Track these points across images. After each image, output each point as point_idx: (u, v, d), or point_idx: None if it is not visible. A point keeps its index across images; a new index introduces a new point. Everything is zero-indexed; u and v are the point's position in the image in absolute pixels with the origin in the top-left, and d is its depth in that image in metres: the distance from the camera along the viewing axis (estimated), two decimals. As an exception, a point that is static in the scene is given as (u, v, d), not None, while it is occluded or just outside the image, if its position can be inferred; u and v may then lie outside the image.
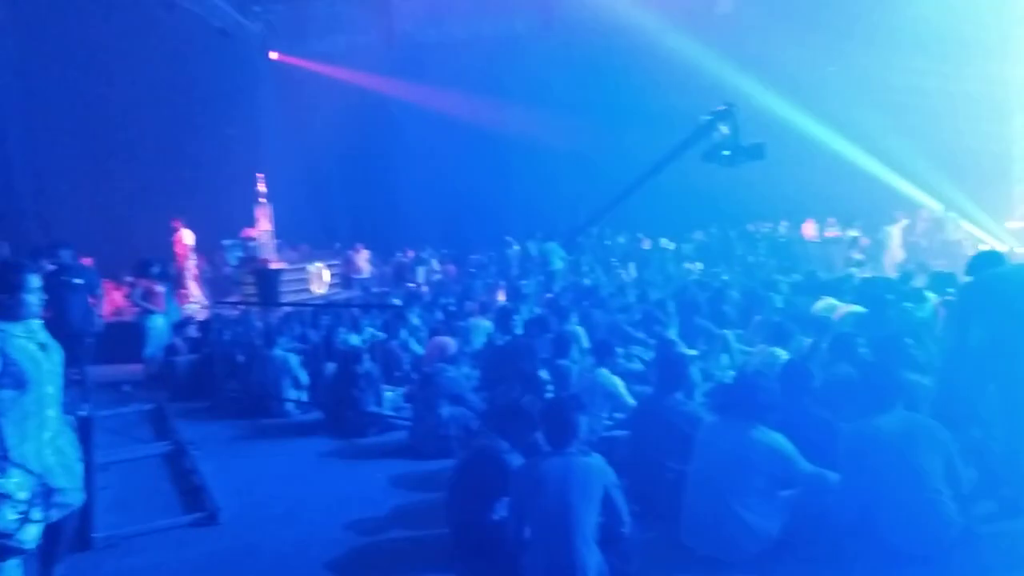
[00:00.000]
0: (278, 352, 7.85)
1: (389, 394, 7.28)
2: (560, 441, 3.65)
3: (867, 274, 12.54)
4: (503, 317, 8.16)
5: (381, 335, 8.72)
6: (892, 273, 12.86)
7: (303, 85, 21.45)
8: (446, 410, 5.98)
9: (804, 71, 17.47)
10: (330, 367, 7.46)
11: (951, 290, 7.53)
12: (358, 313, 9.44)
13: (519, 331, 7.76)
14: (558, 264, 15.28)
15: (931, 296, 8.23)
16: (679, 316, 8.86)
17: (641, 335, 8.41)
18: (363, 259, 16.89)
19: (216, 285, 14.72)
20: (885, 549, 3.65)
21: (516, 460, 3.94)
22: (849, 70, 17.81)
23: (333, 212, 21.72)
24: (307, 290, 13.00)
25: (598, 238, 19.51)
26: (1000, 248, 15.64)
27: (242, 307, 10.72)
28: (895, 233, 16.77)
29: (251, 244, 13.20)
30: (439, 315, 10.08)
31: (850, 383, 4.30)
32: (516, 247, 18.03)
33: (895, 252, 16.51)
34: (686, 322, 8.74)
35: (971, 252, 7.05)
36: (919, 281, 9.60)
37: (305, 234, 18.71)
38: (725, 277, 14.49)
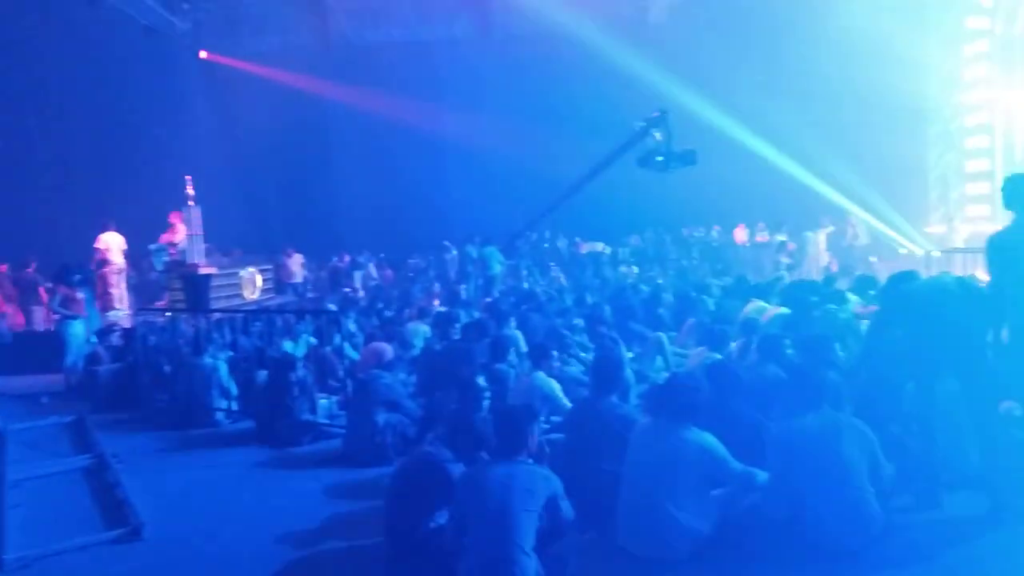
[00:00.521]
0: (207, 360, 7.61)
1: (324, 402, 7.14)
2: (509, 450, 3.65)
3: (794, 277, 12.98)
4: (441, 322, 8.12)
5: (315, 341, 8.55)
6: (817, 276, 13.32)
7: (235, 85, 20.94)
8: (382, 417, 5.89)
9: (734, 79, 17.99)
10: (262, 375, 7.27)
11: (872, 292, 7.87)
12: (292, 319, 9.23)
13: (457, 336, 7.72)
14: (497, 268, 15.30)
15: (853, 298, 8.55)
16: (615, 319, 8.98)
17: (580, 338, 8.49)
18: (297, 264, 16.55)
19: (142, 291, 14.20)
20: (812, 544, 3.77)
21: (458, 469, 3.91)
22: (777, 78, 18.41)
23: (267, 216, 21.21)
24: (239, 296, 12.65)
25: (537, 242, 19.63)
26: (917, 252, 16.46)
27: (169, 314, 10.34)
28: (820, 238, 17.43)
29: (156, 248, 12.83)
30: (375, 320, 9.95)
31: (777, 383, 4.43)
32: (455, 251, 17.97)
33: (820, 256, 17.15)
34: (621, 325, 8.87)
35: (888, 256, 7.35)
36: (842, 284, 9.98)
37: (237, 238, 18.21)
38: (660, 281, 14.78)
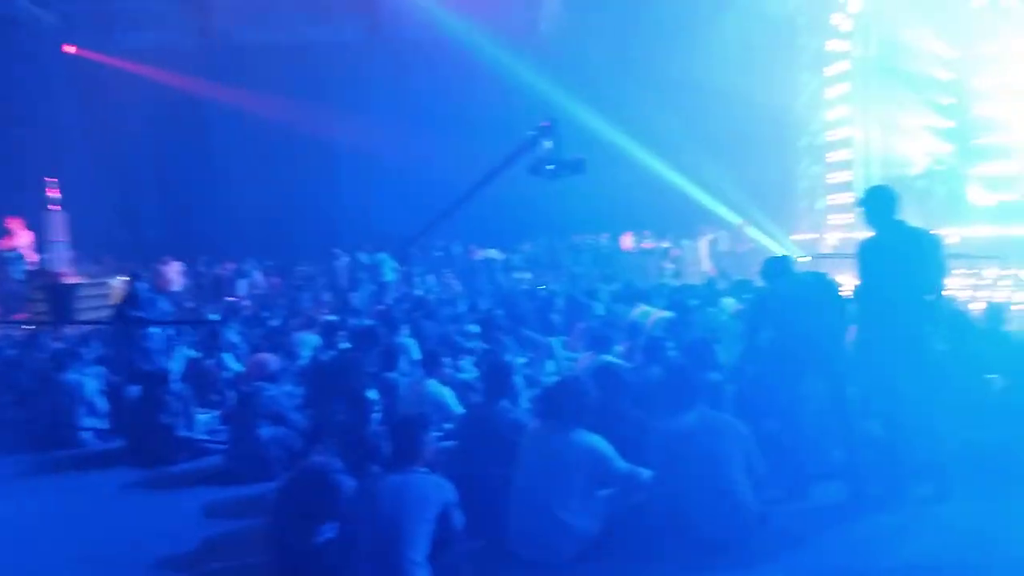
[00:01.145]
0: (71, 376, 7.07)
1: (203, 417, 6.79)
2: (403, 459, 3.58)
3: (677, 282, 13.53)
4: (329, 331, 7.91)
5: (194, 353, 8.13)
6: (699, 281, 13.93)
7: (107, 84, 19.64)
8: (266, 431, 5.66)
9: (621, 90, 18.59)
10: (134, 390, 6.82)
11: (747, 296, 8.31)
12: (169, 330, 8.73)
13: (347, 345, 7.54)
14: (390, 275, 15.10)
15: (731, 301, 9.01)
16: (508, 324, 9.04)
17: (473, 344, 8.49)
18: (175, 272, 15.70)
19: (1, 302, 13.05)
20: (693, 538, 3.92)
21: (348, 481, 3.81)
22: (662, 91, 19.16)
23: (142, 221, 20.04)
24: (109, 307, 11.85)
25: (430, 249, 19.52)
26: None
27: (31, 326, 9.55)
28: (702, 245, 18.30)
29: (10, 255, 11.85)
30: (260, 330, 9.58)
31: (660, 384, 4.58)
32: (345, 258, 17.58)
33: (702, 262, 17.99)
34: (514, 330, 8.95)
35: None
36: (721, 287, 10.50)
37: (110, 245, 17.10)
38: (552, 286, 15.05)
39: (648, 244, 19.82)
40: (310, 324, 9.62)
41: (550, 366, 7.88)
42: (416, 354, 7.37)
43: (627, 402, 4.57)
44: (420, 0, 17.87)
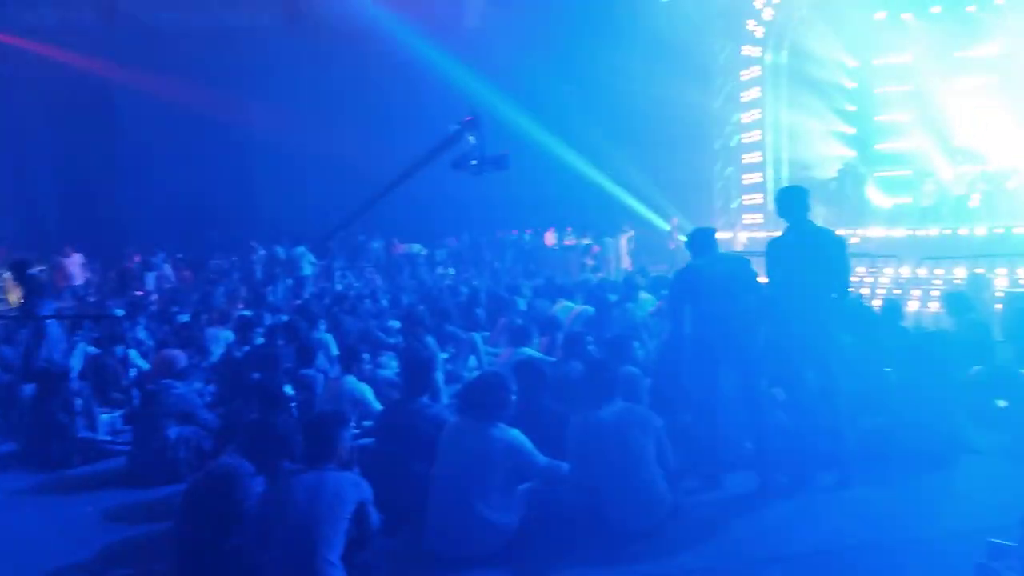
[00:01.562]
0: (-42, 374, 6.57)
1: (105, 417, 6.43)
2: (318, 457, 3.48)
3: (598, 278, 13.73)
4: (243, 326, 7.64)
5: (94, 350, 7.69)
6: (618, 277, 14.18)
7: (3, 63, 18.36)
8: (174, 431, 5.41)
9: (546, 87, 18.74)
10: (29, 389, 6.40)
11: (664, 291, 8.50)
12: (68, 325, 8.23)
13: (262, 341, 7.31)
14: (308, 269, 14.74)
15: (649, 297, 9.21)
16: (431, 320, 8.96)
17: (395, 340, 8.38)
18: (75, 264, 14.85)
19: None
20: (611, 529, 3.97)
21: (258, 482, 3.67)
22: (586, 90, 19.42)
23: (42, 211, 18.88)
24: (2, 300, 11.12)
25: (350, 243, 19.18)
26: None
27: (-90, 322, 8.85)
28: (621, 242, 18.65)
29: None
30: (169, 326, 9.17)
31: (578, 378, 4.62)
32: (262, 252, 17.06)
33: (622, 259, 18.34)
34: (438, 326, 8.88)
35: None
36: (640, 283, 10.71)
37: (5, 236, 16.03)
38: (475, 282, 15.02)
39: (570, 240, 20.07)
40: (223, 319, 9.27)
41: (472, 361, 7.86)
42: (335, 350, 7.22)
43: (547, 396, 4.59)
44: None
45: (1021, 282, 10.57)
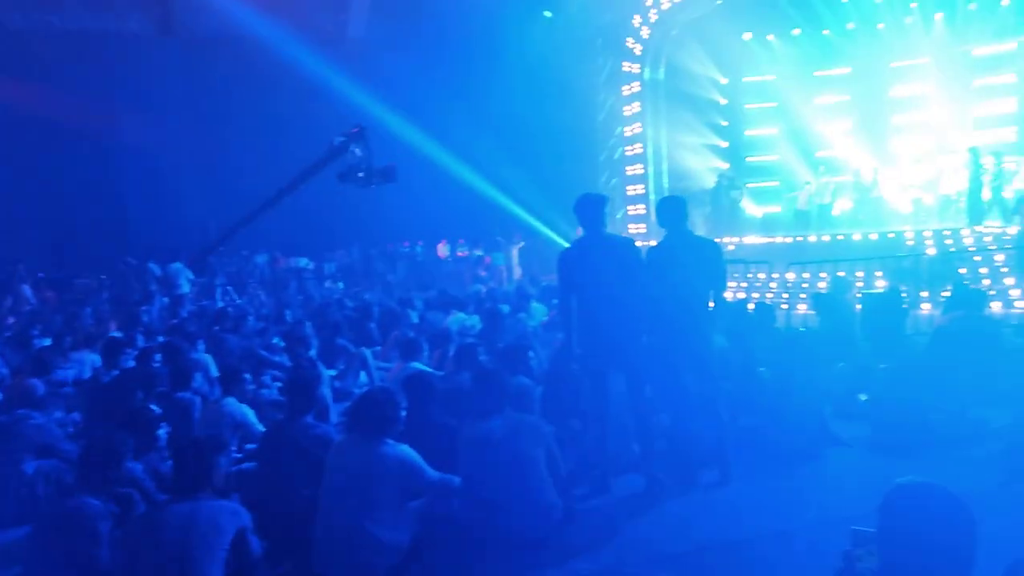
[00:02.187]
0: None
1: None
2: (191, 485, 3.26)
3: (490, 289, 13.80)
4: (112, 349, 7.13)
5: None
6: (510, 288, 14.32)
7: None
8: (31, 465, 4.95)
9: (433, 100, 18.70)
10: None
11: (555, 301, 8.64)
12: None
13: (132, 364, 6.84)
14: (186, 287, 13.97)
15: (541, 307, 9.34)
16: (319, 336, 8.72)
17: (281, 359, 8.08)
18: (-81, 286, 13.45)
19: None
20: (503, 541, 3.96)
21: (106, 524, 3.41)
22: (474, 102, 19.52)
23: None
24: None
25: (233, 258, 18.38)
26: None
27: None
28: (514, 253, 18.86)
29: None
30: (26, 351, 8.44)
31: (467, 389, 4.60)
32: (135, 269, 16.02)
33: (514, 270, 18.54)
34: (327, 342, 8.64)
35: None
36: (531, 293, 10.86)
37: None
38: (366, 296, 14.74)
39: (462, 252, 20.09)
40: (90, 342, 8.63)
41: (363, 377, 7.69)
42: (214, 371, 6.86)
43: (437, 410, 4.54)
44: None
45: (878, 284, 11.47)
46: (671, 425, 5.13)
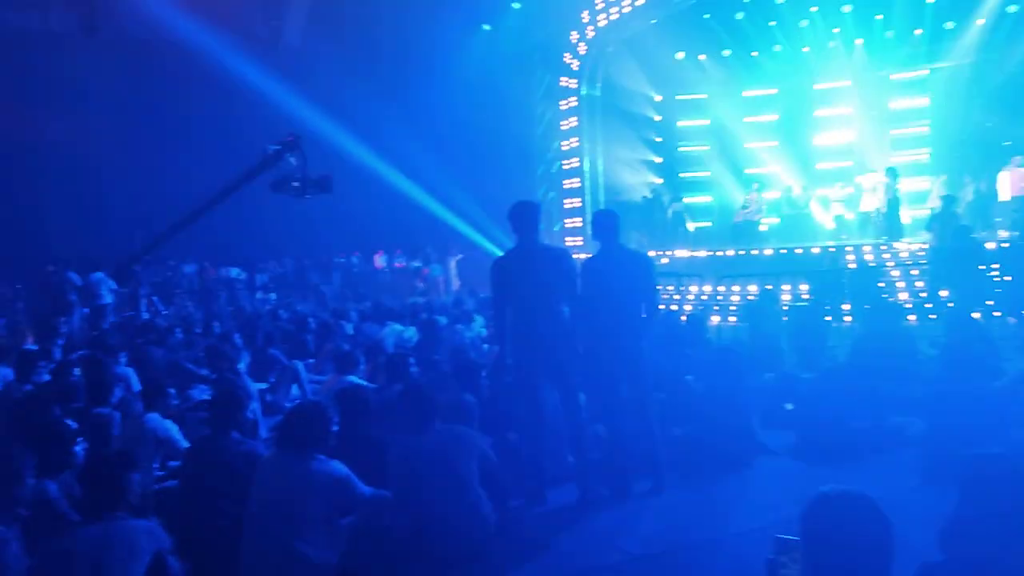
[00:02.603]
0: None
1: None
2: (103, 505, 3.10)
3: (428, 300, 13.72)
4: (25, 362, 6.78)
5: None
6: (448, 299, 14.27)
7: None
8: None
9: (371, 110, 18.53)
10: None
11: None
12: None
13: (48, 377, 6.51)
14: (108, 297, 13.40)
15: (480, 320, 9.33)
16: (250, 349, 8.49)
17: (206, 372, 7.82)
18: None
19: None
20: (436, 555, 3.91)
21: (15, 545, 3.22)
22: (412, 113, 19.44)
23: None
24: None
25: (159, 267, 17.74)
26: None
27: None
28: (452, 265, 18.81)
29: None
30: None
31: (399, 402, 4.54)
32: (53, 278, 15.27)
33: (452, 281, 18.49)
34: (258, 354, 8.42)
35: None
36: (469, 305, 10.84)
37: None
38: (300, 307, 14.46)
39: (400, 263, 19.92)
40: (3, 354, 8.18)
41: (295, 391, 7.52)
42: (137, 385, 6.59)
43: (370, 424, 4.46)
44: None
45: (803, 296, 11.89)
46: (606, 435, 5.17)
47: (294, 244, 20.07)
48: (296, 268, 19.97)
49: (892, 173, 13.80)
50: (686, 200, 19.16)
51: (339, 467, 3.76)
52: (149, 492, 4.66)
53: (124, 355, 7.62)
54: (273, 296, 17.22)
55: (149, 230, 15.05)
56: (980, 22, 15.87)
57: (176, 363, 8.12)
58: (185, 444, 4.98)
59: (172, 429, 5.07)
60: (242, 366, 7.80)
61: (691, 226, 18.37)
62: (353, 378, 6.09)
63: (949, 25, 16.36)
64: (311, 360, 8.55)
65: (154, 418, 5.09)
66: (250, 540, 3.69)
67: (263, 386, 7.42)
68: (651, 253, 14.22)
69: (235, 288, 17.59)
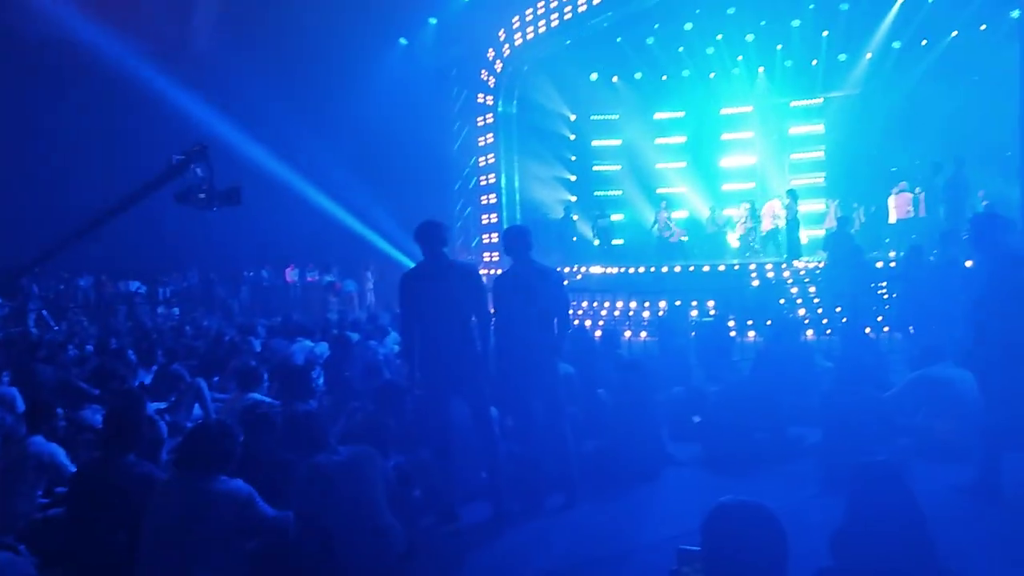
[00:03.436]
0: None
1: None
2: None
3: (341, 316, 13.45)
4: None
5: None
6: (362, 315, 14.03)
7: None
8: None
9: (284, 122, 18.11)
10: None
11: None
12: None
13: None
14: (-8, 312, 12.52)
15: (394, 336, 9.19)
16: (150, 366, 8.08)
17: (100, 391, 7.38)
18: None
19: None
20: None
21: None
22: (328, 126, 19.11)
23: None
24: None
25: (50, 280, 16.70)
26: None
27: None
28: (367, 280, 18.55)
29: None
30: None
31: (303, 421, 4.40)
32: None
33: (367, 297, 18.21)
34: (158, 371, 8.02)
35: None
36: (384, 321, 10.68)
37: None
38: (205, 322, 13.90)
39: (312, 277, 19.46)
40: None
41: (197, 410, 7.18)
42: (21, 405, 6.15)
43: (274, 443, 4.31)
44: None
45: (710, 312, 12.31)
46: (519, 451, 5.17)
47: (200, 256, 19.31)
48: (202, 282, 19.20)
49: (792, 195, 14.53)
50: (601, 217, 19.59)
51: (242, 487, 3.60)
52: (33, 521, 4.37)
53: (7, 373, 7.12)
54: (176, 311, 16.46)
55: (41, 241, 14.16)
56: (869, 56, 17.00)
57: (67, 382, 7.63)
58: (72, 468, 4.67)
59: (58, 453, 4.75)
60: (139, 383, 7.42)
61: (606, 243, 18.75)
62: (256, 395, 5.87)
63: (842, 57, 17.44)
64: (215, 378, 8.20)
65: (38, 441, 4.76)
66: (144, 569, 3.49)
67: (161, 405, 7.07)
68: (565, 269, 14.47)
69: (135, 302, 16.74)
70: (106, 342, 10.00)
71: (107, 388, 6.37)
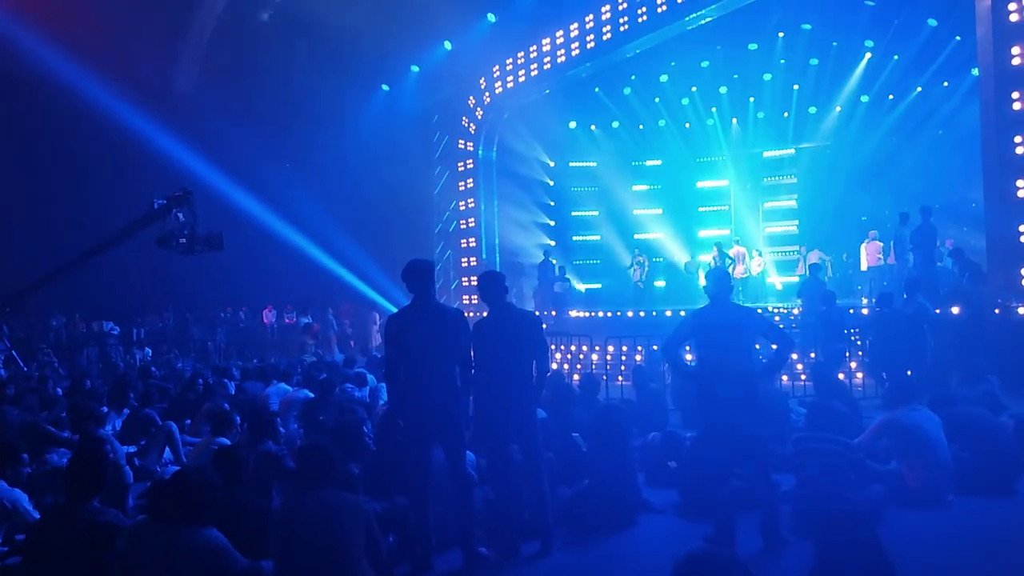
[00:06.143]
0: None
1: None
2: None
3: (317, 358, 13.34)
4: None
5: None
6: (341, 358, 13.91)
7: None
8: None
9: (264, 165, 18.20)
10: None
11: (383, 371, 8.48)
12: None
13: None
14: (-42, 353, 12.26)
15: (372, 378, 9.12)
16: (118, 408, 7.95)
17: (69, 434, 7.22)
18: None
19: None
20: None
21: None
22: (309, 170, 19.23)
23: None
24: None
25: (20, 320, 16.40)
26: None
27: None
28: (345, 322, 18.46)
29: None
30: None
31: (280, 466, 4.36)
32: None
33: (343, 339, 18.10)
34: (129, 415, 7.88)
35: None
36: (362, 364, 10.62)
37: None
38: (179, 364, 13.72)
39: (290, 319, 19.34)
40: None
41: (168, 454, 7.05)
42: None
43: (247, 488, 4.24)
44: (21, 33, 15.39)
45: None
46: (495, 496, 5.13)
47: (177, 297, 19.14)
48: (178, 322, 18.99)
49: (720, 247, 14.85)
50: (579, 262, 19.77)
51: (216, 536, 3.54)
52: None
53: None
54: (149, 351, 16.22)
55: (10, 282, 13.98)
56: (838, 109, 17.56)
57: (33, 424, 7.46)
58: (35, 515, 4.56)
59: (21, 499, 4.64)
60: (109, 427, 7.28)
61: (582, 287, 18.90)
62: (226, 440, 5.78)
63: (812, 110, 17.99)
64: (187, 421, 8.07)
65: (0, 486, 4.65)
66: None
67: (131, 449, 6.93)
68: (544, 312, 14.51)
69: (107, 343, 16.49)
70: (80, 383, 9.81)
71: (74, 430, 6.22)
